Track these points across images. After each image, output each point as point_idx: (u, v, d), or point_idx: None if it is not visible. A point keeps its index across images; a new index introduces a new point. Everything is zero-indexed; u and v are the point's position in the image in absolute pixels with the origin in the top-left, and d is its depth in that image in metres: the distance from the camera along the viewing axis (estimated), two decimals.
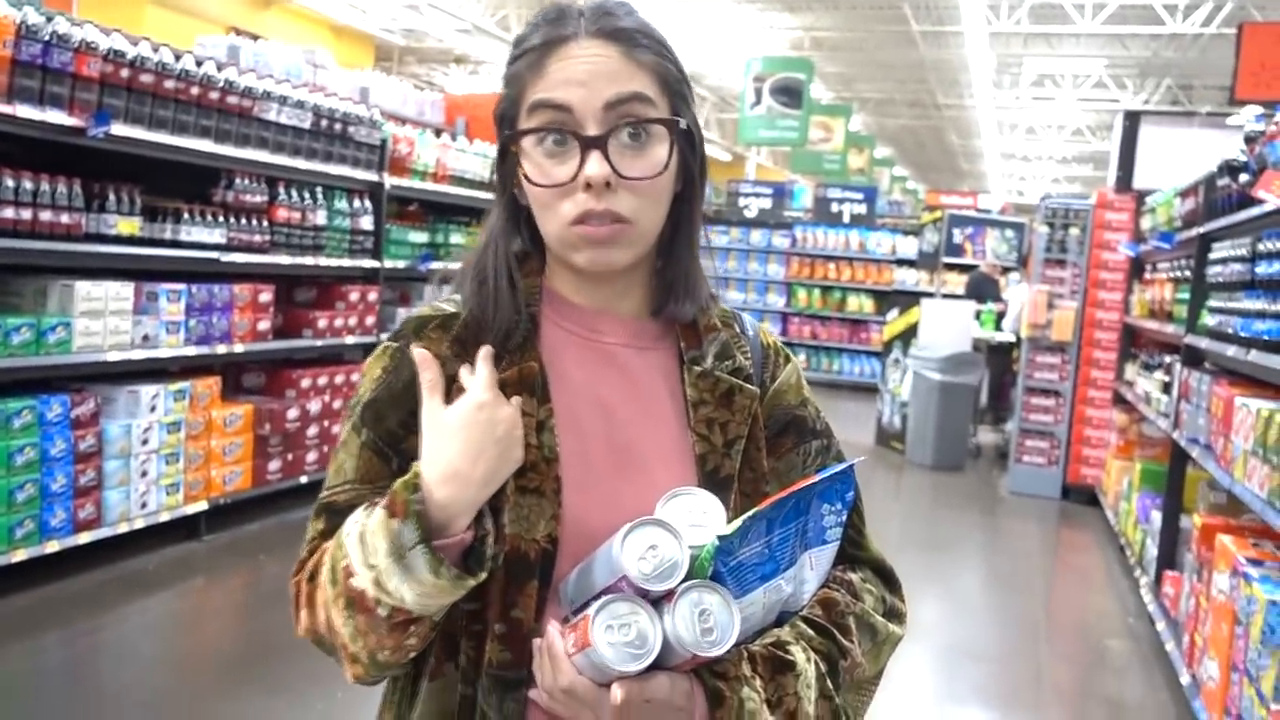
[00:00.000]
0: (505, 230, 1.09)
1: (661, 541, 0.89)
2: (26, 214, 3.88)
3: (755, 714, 0.92)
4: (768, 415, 1.11)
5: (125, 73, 4.18)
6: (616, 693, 0.86)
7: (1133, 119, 7.51)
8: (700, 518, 0.93)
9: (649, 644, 0.87)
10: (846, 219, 13.36)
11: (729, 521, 0.92)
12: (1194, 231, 4.72)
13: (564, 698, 0.90)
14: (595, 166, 0.97)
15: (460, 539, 0.92)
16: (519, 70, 1.03)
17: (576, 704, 0.89)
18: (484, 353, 1.00)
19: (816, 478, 0.95)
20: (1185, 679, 3.73)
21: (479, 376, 0.98)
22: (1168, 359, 5.28)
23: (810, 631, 1.00)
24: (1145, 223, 6.61)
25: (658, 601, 0.88)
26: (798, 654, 0.96)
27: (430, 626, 0.95)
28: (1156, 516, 4.87)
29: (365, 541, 0.91)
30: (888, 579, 1.14)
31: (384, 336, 1.11)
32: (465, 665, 0.98)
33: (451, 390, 1.01)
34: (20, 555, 3.93)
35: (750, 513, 0.90)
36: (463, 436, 0.94)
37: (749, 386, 1.09)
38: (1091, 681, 4.28)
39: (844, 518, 1.00)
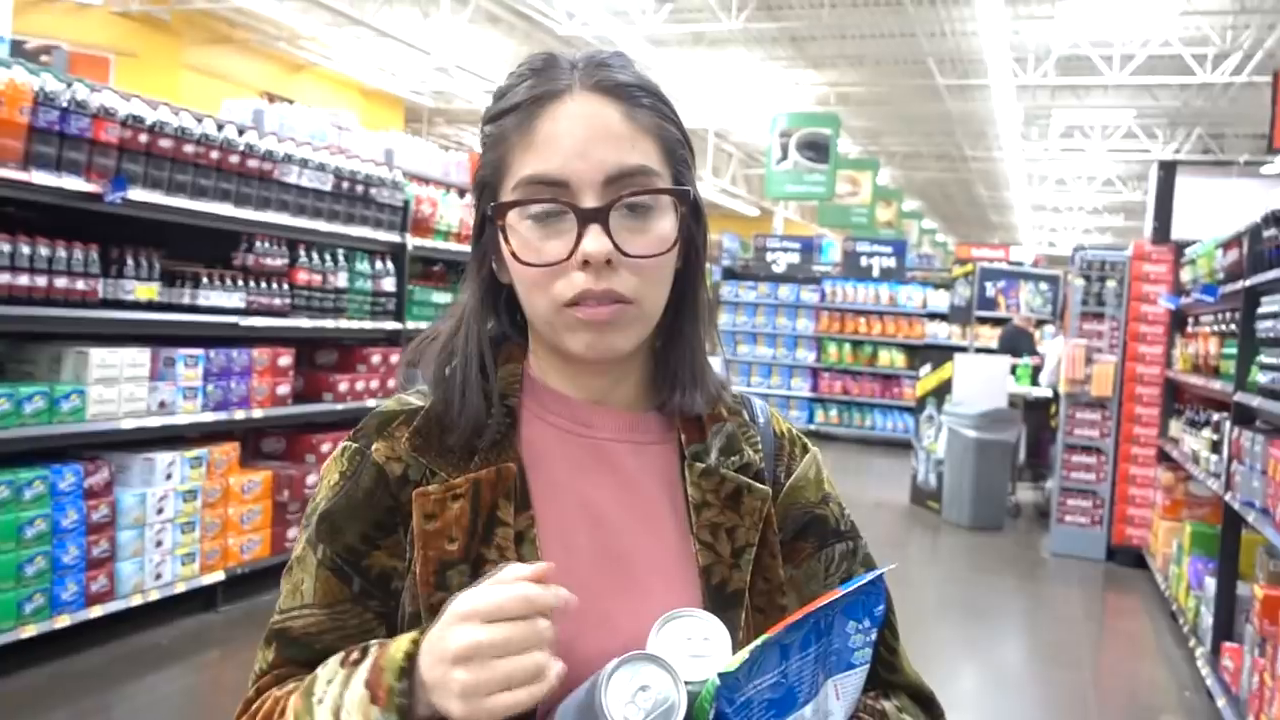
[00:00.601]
0: (479, 311, 0.95)
1: (654, 681, 0.75)
2: (41, 280, 3.83)
3: None
4: (783, 516, 0.97)
5: (144, 138, 4.15)
6: None
7: (1168, 169, 7.37)
8: (702, 645, 0.80)
9: None
10: (876, 273, 13.23)
11: (736, 647, 0.79)
12: (1239, 284, 4.55)
13: None
14: (595, 243, 0.85)
15: None
16: (504, 131, 0.90)
17: None
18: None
19: (839, 592, 0.81)
20: None
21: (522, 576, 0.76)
22: (1215, 416, 5.07)
23: None
24: (1185, 274, 6.43)
25: None
26: None
27: None
28: (1210, 583, 4.63)
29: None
30: (928, 705, 0.99)
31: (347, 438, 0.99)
32: None
33: (411, 495, 0.89)
34: (29, 631, 3.82)
35: (760, 640, 0.76)
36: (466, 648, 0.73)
37: (759, 486, 0.95)
38: None
39: (873, 636, 0.86)
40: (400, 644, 0.77)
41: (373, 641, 0.85)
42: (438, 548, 0.88)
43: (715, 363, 1.03)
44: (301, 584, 0.93)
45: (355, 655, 0.82)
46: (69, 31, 11.53)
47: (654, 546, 0.92)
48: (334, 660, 0.84)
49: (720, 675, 0.75)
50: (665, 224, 0.89)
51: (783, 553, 0.96)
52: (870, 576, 0.84)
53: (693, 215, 0.94)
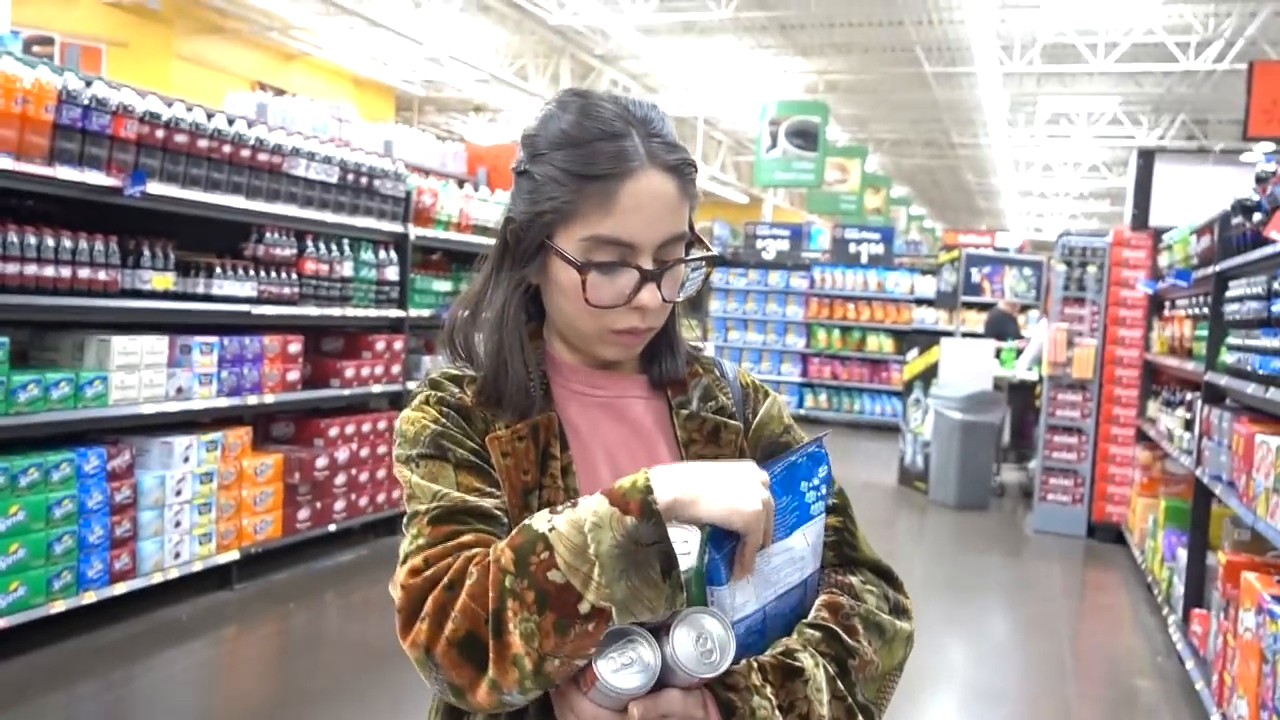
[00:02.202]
0: (519, 312, 1.17)
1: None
2: (66, 271, 4.00)
3: None
4: (754, 446, 1.23)
5: (160, 133, 4.31)
6: (633, 711, 0.94)
7: (1147, 157, 7.57)
8: (682, 546, 0.99)
9: (650, 665, 0.94)
10: (864, 259, 13.43)
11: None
12: (1210, 269, 4.76)
13: None
14: (650, 296, 1.10)
15: None
16: (580, 188, 1.08)
17: None
18: None
19: (789, 455, 1.05)
20: (1215, 718, 3.71)
21: None
22: (1189, 396, 5.29)
23: (817, 636, 1.07)
24: (1163, 260, 6.64)
25: (655, 629, 0.96)
26: (805, 660, 1.04)
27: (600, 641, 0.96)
28: (1182, 554, 4.85)
29: (585, 533, 0.93)
30: (888, 577, 1.21)
31: (412, 386, 1.19)
32: None
33: (488, 436, 1.11)
34: (59, 606, 4.00)
35: None
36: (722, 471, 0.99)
37: (733, 422, 1.22)
38: None
39: (823, 492, 1.09)
40: (633, 478, 0.97)
41: (571, 502, 1.01)
42: (518, 478, 1.10)
43: (708, 354, 1.31)
44: (443, 484, 1.07)
45: (561, 507, 0.99)
46: (61, 22, 11.60)
47: None
48: (540, 513, 0.99)
49: (710, 527, 0.97)
50: (683, 270, 1.16)
51: None
52: (810, 444, 1.08)
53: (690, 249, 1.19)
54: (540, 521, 0.97)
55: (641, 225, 1.08)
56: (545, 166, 1.10)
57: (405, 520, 1.08)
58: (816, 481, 1.08)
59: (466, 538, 1.02)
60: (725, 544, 0.97)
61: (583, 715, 0.96)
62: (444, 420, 1.12)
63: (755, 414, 1.25)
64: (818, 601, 1.11)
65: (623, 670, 0.93)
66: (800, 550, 1.07)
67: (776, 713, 1.00)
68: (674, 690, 0.96)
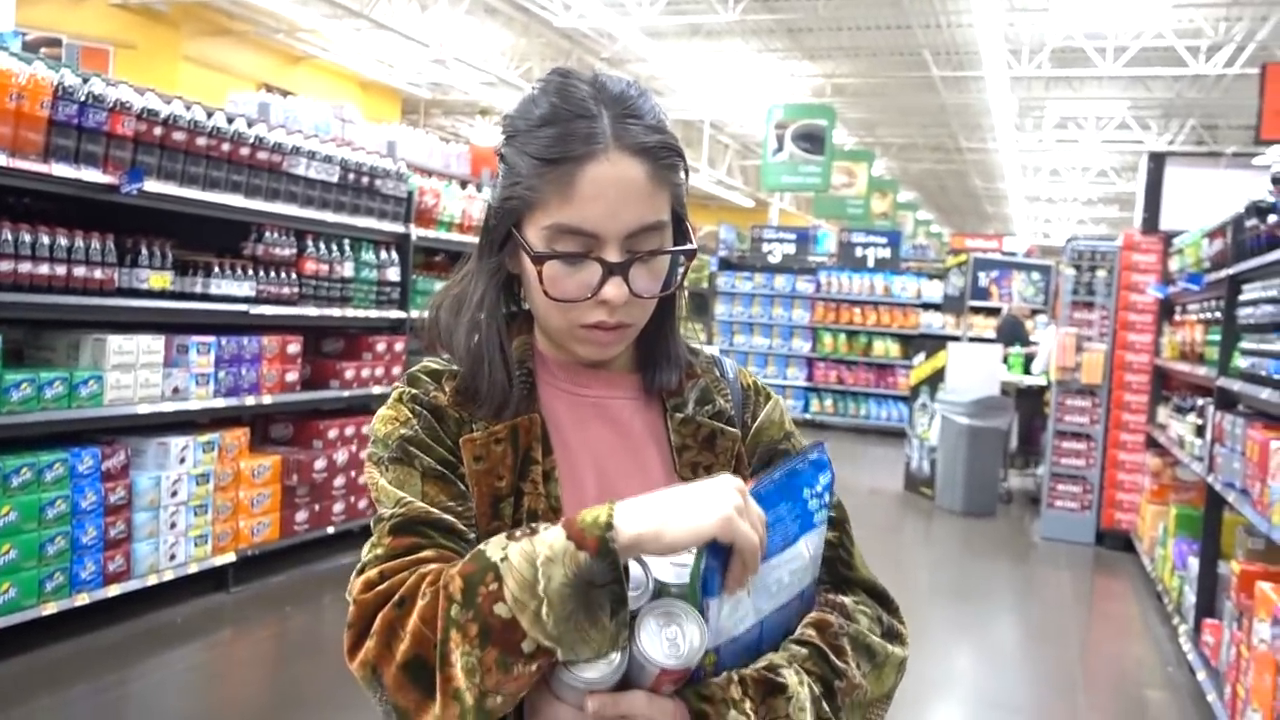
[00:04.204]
0: (497, 302, 1.11)
1: (632, 570, 0.91)
2: (61, 270, 3.95)
3: None
4: (751, 451, 1.16)
5: (158, 131, 4.26)
6: (590, 705, 0.88)
7: (1157, 160, 7.49)
8: (686, 557, 0.92)
9: (613, 658, 0.87)
10: (871, 263, 13.36)
11: None
12: (1223, 273, 4.68)
13: None
14: (614, 290, 1.02)
15: None
16: (541, 173, 1.01)
17: None
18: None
19: (791, 461, 0.98)
20: None
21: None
22: (1200, 401, 5.21)
23: (803, 653, 1.00)
24: (1173, 264, 6.57)
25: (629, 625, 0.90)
26: (789, 676, 0.97)
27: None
28: (1193, 563, 4.77)
29: (536, 567, 0.87)
30: (883, 600, 1.14)
31: (396, 388, 1.13)
32: None
33: (462, 438, 1.05)
34: (50, 608, 3.95)
35: None
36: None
37: (730, 429, 1.15)
38: None
39: (825, 500, 1.03)
40: (596, 511, 0.89)
41: (533, 525, 0.95)
42: (490, 484, 1.04)
43: (709, 351, 1.23)
44: (409, 490, 1.02)
45: (520, 533, 0.92)
46: (68, 23, 11.59)
47: (645, 484, 1.07)
48: (497, 538, 0.92)
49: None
50: (665, 263, 1.07)
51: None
52: (811, 450, 1.01)
53: (681, 239, 1.10)
54: (494, 549, 0.91)
55: (603, 214, 1.00)
56: (513, 149, 1.05)
57: (372, 522, 1.04)
58: (820, 489, 1.01)
59: (425, 553, 0.98)
60: (722, 553, 0.90)
61: (541, 710, 0.92)
62: (414, 422, 1.06)
63: (755, 418, 1.18)
64: (806, 618, 1.04)
65: (583, 660, 0.87)
66: (802, 561, 1.00)
67: None
68: (639, 693, 0.89)
